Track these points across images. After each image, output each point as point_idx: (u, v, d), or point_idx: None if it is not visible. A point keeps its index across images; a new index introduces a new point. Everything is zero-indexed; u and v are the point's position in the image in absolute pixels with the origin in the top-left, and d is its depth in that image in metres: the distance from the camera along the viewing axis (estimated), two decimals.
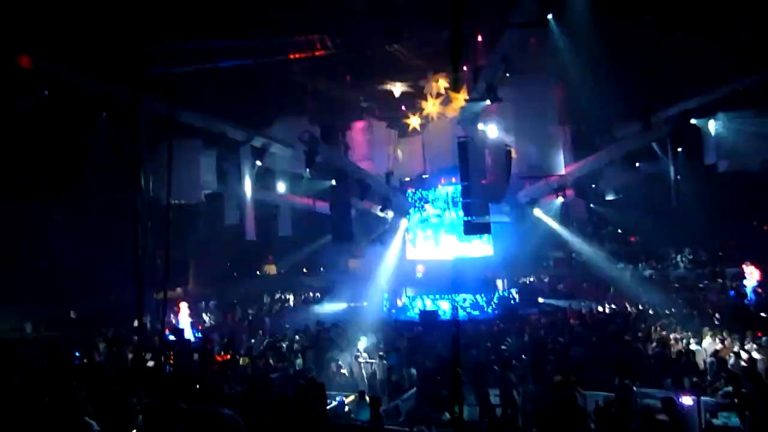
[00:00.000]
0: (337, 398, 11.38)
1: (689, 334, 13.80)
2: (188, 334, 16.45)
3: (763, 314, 16.03)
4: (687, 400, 8.60)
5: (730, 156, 16.95)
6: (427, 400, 11.29)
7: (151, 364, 12.05)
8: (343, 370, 13.06)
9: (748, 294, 19.77)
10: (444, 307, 22.45)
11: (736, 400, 8.63)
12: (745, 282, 20.23)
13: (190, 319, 18.14)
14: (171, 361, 12.52)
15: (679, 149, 17.80)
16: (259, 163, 20.75)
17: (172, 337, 14.78)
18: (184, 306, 18.21)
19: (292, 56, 20.36)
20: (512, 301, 22.87)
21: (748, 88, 17.37)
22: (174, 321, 17.94)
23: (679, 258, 26.18)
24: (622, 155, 19.01)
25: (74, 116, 16.32)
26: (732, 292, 20.28)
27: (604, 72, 16.63)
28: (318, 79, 22.99)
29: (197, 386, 10.48)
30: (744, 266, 20.64)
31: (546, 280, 27.53)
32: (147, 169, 13.88)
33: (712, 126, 17.29)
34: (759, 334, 12.56)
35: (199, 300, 25.05)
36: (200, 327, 18.60)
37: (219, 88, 19.07)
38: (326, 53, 20.68)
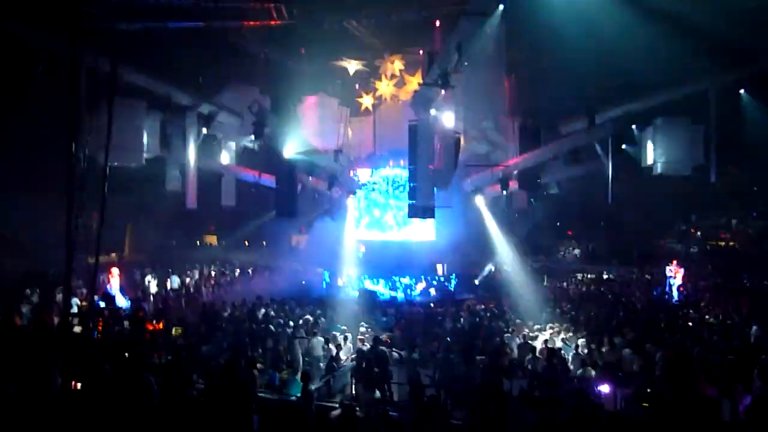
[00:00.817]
0: (269, 373, 11.39)
1: None
2: (120, 301, 16.02)
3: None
4: (604, 388, 9.04)
5: (665, 159, 17.72)
6: (359, 379, 11.45)
7: (78, 329, 11.68)
8: (281, 346, 13.05)
9: (673, 292, 20.90)
10: (383, 288, 22.71)
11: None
12: (670, 281, 21.36)
13: (121, 286, 17.62)
14: (99, 328, 12.16)
15: (620, 149, 18.51)
16: (205, 130, 20.17)
17: (102, 304, 14.35)
18: (116, 272, 17.66)
19: (245, 23, 19.82)
20: (450, 286, 23.33)
21: (686, 97, 18.18)
22: (106, 287, 17.43)
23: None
24: (566, 151, 19.56)
25: (7, 67, 15.40)
26: (656, 291, 21.36)
27: (553, 68, 17.03)
28: (271, 50, 22.49)
29: (125, 354, 10.26)
30: (670, 265, 21.77)
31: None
32: (85, 128, 13.31)
33: (651, 130, 18.01)
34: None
35: (134, 267, 24.37)
36: (133, 294, 18.08)
37: (167, 50, 18.39)
38: (281, 23, 20.22)
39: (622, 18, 18.09)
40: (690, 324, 14.94)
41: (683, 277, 20.93)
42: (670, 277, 20.98)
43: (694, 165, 17.90)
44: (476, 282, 23.99)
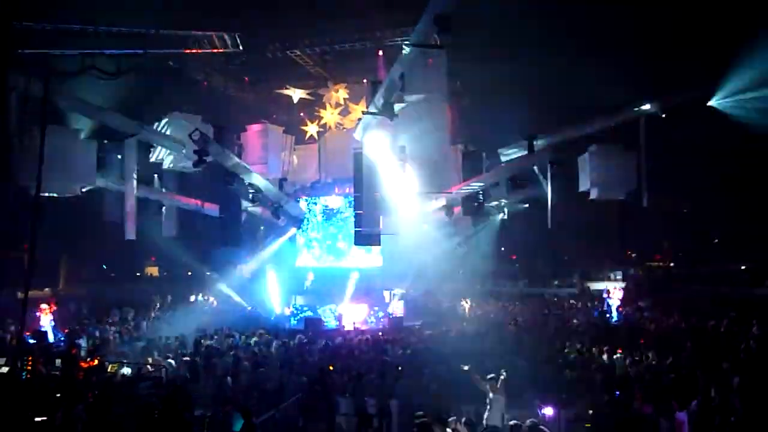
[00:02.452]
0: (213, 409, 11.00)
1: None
2: (51, 338, 15.23)
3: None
4: (548, 411, 9.17)
5: (600, 185, 18.38)
6: (304, 410, 11.21)
7: (4, 369, 11.03)
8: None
9: (612, 312, 21.56)
10: (329, 316, 22.50)
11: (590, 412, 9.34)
12: (609, 301, 22.04)
13: (53, 322, 16.77)
14: (29, 367, 11.50)
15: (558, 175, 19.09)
16: (144, 158, 19.64)
17: (32, 341, 13.61)
18: (46, 307, 16.80)
19: (188, 51, 19.63)
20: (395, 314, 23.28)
21: (619, 125, 19.03)
22: (39, 324, 16.54)
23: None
24: (507, 177, 20.05)
25: None
26: (596, 311, 21.97)
27: (493, 96, 17.57)
28: (215, 77, 22.32)
29: (55, 394, 9.74)
30: (608, 286, 22.49)
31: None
32: (16, 157, 12.78)
33: (587, 155, 18.71)
34: (620, 351, 13.73)
35: (69, 301, 23.31)
36: (66, 330, 17.22)
37: (105, 75, 17.93)
38: (224, 51, 20.15)
39: (558, 48, 18.97)
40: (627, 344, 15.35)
41: (621, 298, 21.63)
42: (609, 297, 21.66)
43: (627, 190, 18.63)
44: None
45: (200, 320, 19.81)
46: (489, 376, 9.47)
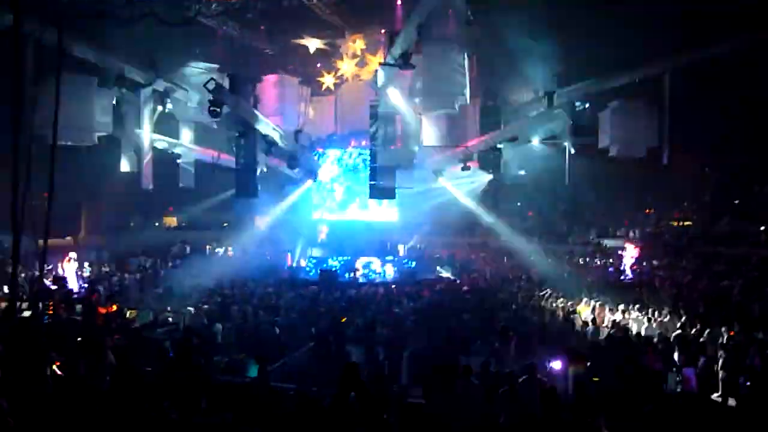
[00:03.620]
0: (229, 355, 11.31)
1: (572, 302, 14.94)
2: (73, 284, 15.63)
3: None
4: (556, 365, 9.27)
5: (620, 141, 18.06)
6: (317, 359, 11.47)
7: (27, 314, 11.36)
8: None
9: (626, 270, 21.52)
10: (343, 268, 22.72)
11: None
12: (623, 259, 21.98)
13: (75, 269, 17.18)
14: (50, 312, 11.86)
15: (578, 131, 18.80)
16: (161, 108, 19.65)
17: (54, 287, 13.99)
18: (72, 255, 17.20)
19: None
20: (411, 267, 23.43)
21: (643, 80, 18.50)
22: (60, 270, 16.97)
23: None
24: (526, 132, 19.74)
25: None
26: (611, 268, 21.93)
27: (514, 49, 17.12)
28: (230, 26, 21.97)
29: (77, 338, 10.04)
30: (624, 244, 22.36)
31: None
32: (31, 104, 12.78)
33: (608, 112, 18.31)
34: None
35: (90, 249, 23.81)
36: (88, 277, 17.66)
37: (120, 23, 17.74)
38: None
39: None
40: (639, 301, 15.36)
41: (636, 256, 21.54)
42: (624, 255, 21.59)
43: (649, 147, 18.28)
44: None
45: (218, 270, 20.14)
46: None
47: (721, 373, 9.29)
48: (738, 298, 15.63)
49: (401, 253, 24.92)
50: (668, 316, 12.98)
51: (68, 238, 26.02)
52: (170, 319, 12.94)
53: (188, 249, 26.29)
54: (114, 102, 18.21)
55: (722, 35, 17.01)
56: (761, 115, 20.64)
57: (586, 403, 7.29)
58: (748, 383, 8.43)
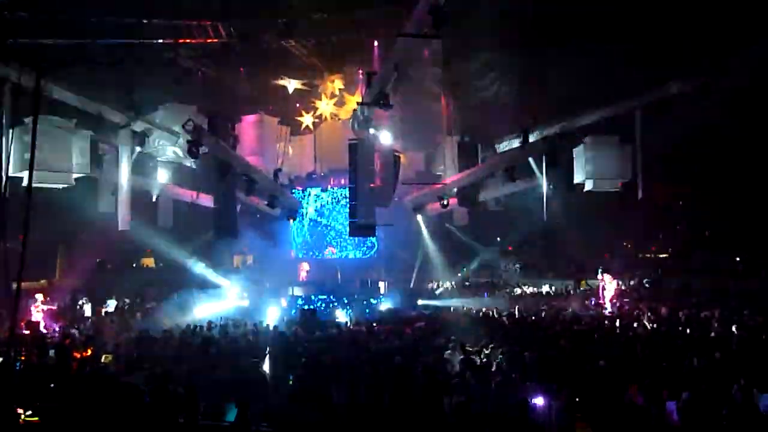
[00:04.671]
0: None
1: None
2: (45, 329, 15.24)
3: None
4: (539, 401, 9.22)
5: (595, 176, 18.41)
6: (299, 400, 11.24)
7: None
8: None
9: (606, 303, 21.66)
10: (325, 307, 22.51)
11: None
12: (603, 292, 22.14)
13: (47, 313, 16.78)
14: (22, 357, 11.53)
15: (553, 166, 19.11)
16: (139, 149, 19.59)
17: (26, 331, 13.62)
18: (39, 298, 16.81)
19: (181, 41, 19.51)
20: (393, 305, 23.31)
21: (615, 117, 19.02)
22: (33, 315, 16.56)
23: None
24: (503, 168, 20.05)
25: None
26: (591, 302, 22.07)
27: (489, 88, 17.54)
28: (209, 67, 22.20)
29: (51, 384, 9.75)
30: (603, 277, 22.57)
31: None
32: (9, 147, 12.69)
33: (582, 147, 18.71)
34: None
35: (66, 291, 23.32)
36: (61, 321, 17.24)
37: (99, 66, 17.82)
38: (219, 41, 20.03)
39: (554, 39, 18.91)
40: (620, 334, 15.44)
41: (616, 289, 21.73)
42: (603, 289, 21.74)
43: (623, 182, 18.66)
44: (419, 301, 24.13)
45: (196, 311, 19.83)
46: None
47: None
48: (718, 330, 15.78)
49: (382, 291, 24.83)
50: (648, 350, 13.05)
51: (42, 281, 25.48)
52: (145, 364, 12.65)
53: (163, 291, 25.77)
54: (91, 143, 18.09)
55: (690, 71, 17.70)
56: (734, 147, 21.33)
57: None
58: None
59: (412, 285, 25.48)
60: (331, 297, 23.13)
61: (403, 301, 23.81)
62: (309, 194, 25.28)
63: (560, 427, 8.71)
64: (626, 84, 18.62)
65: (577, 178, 18.97)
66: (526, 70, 19.07)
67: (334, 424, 7.56)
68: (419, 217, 22.58)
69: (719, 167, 23.13)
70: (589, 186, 18.65)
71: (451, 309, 21.86)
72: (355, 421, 9.60)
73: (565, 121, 19.30)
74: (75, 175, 17.39)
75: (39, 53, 12.77)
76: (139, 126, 19.15)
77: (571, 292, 24.33)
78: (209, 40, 19.35)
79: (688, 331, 15.51)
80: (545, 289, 26.33)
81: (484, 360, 12.98)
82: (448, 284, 25.04)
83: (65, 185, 17.29)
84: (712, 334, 15.09)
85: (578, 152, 18.79)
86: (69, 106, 17.04)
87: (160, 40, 18.48)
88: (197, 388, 9.90)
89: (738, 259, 23.30)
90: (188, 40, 19.11)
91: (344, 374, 11.92)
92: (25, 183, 11.27)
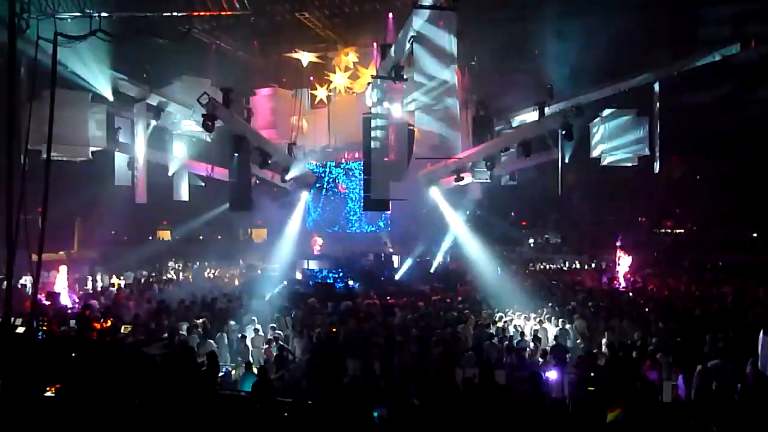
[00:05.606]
0: (224, 369, 11.28)
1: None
2: (66, 300, 15.56)
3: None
4: (552, 374, 9.31)
5: (611, 151, 18.23)
6: (314, 372, 11.44)
7: (21, 330, 11.30)
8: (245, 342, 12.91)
9: (620, 279, 21.61)
10: (339, 280, 22.68)
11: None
12: (617, 267, 22.09)
13: (68, 284, 17.12)
14: (44, 328, 11.80)
15: (569, 141, 18.94)
16: (154, 122, 19.70)
17: (47, 302, 13.93)
18: (63, 269, 17.13)
19: (196, 13, 19.42)
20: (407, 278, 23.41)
21: (632, 89, 18.74)
22: (52, 285, 16.90)
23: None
24: (518, 143, 19.88)
25: None
26: (604, 278, 22.03)
27: (505, 60, 17.32)
28: (223, 40, 22.11)
29: (72, 354, 9.99)
30: (617, 252, 22.49)
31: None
32: (26, 120, 12.80)
33: (599, 121, 18.49)
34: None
35: (83, 264, 23.75)
36: (81, 292, 17.60)
37: (113, 39, 17.83)
38: (233, 13, 19.89)
39: (570, 12, 18.57)
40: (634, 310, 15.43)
41: (629, 264, 21.65)
42: (618, 264, 21.68)
43: (640, 156, 18.47)
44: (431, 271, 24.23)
45: (212, 283, 20.11)
46: None
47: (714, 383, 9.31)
48: (731, 306, 15.72)
49: (395, 265, 24.93)
50: (662, 325, 13.07)
51: (61, 252, 25.95)
52: (165, 334, 12.92)
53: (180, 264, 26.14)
54: (107, 116, 18.24)
55: (711, 46, 17.34)
56: (751, 122, 20.97)
57: (583, 412, 7.33)
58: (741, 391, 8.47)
59: (425, 260, 25.56)
60: (345, 270, 23.29)
61: (417, 274, 23.91)
62: (323, 168, 25.26)
63: (573, 401, 8.79)
64: (644, 57, 18.32)
65: (594, 152, 18.80)
66: (543, 43, 18.79)
67: (349, 395, 7.72)
68: (436, 191, 22.47)
69: (737, 142, 22.78)
70: (605, 160, 18.50)
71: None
72: (368, 393, 9.77)
73: (581, 94, 19.05)
74: (92, 149, 17.60)
75: (55, 26, 12.74)
76: (154, 99, 19.25)
77: (585, 267, 24.27)
78: (223, 13, 19.22)
79: (702, 307, 15.43)
80: (560, 265, 26.26)
81: (498, 332, 13.10)
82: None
83: (83, 158, 17.52)
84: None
85: (595, 126, 18.59)
86: (85, 80, 17.16)
87: (175, 13, 18.35)
88: (216, 359, 10.13)
89: (755, 235, 23.05)
90: (203, 13, 18.99)
91: (358, 347, 12.10)
92: (43, 156, 11.43)
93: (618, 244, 22.77)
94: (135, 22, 17.26)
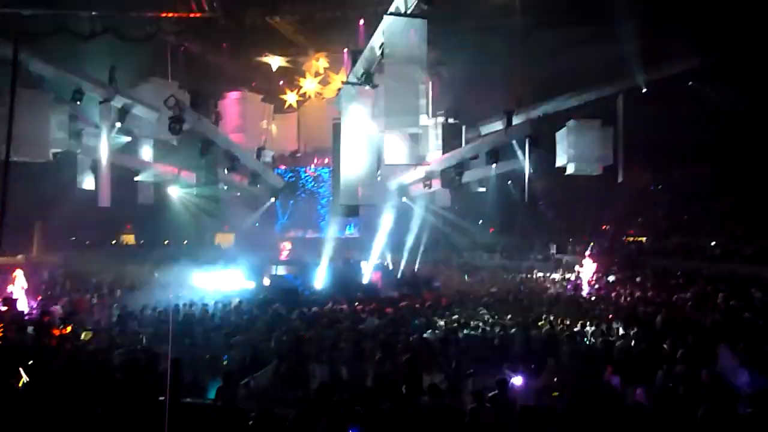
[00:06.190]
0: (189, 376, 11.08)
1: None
2: (23, 305, 15.09)
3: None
4: (517, 380, 9.40)
5: (577, 160, 18.59)
6: (281, 378, 11.34)
7: None
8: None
9: (584, 285, 21.98)
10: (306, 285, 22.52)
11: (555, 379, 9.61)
12: (581, 274, 22.48)
13: (26, 289, 16.60)
14: (0, 334, 11.43)
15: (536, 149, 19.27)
16: (119, 124, 19.29)
17: (3, 308, 13.49)
18: (19, 274, 16.60)
19: (163, 14, 19.16)
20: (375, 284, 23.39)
21: (598, 100, 19.19)
22: (9, 290, 16.36)
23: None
24: (486, 150, 20.13)
25: None
26: (569, 284, 22.37)
27: (474, 69, 17.54)
28: (192, 43, 21.85)
29: (29, 361, 9.70)
30: (582, 259, 22.90)
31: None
32: None
33: (565, 131, 18.85)
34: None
35: (43, 268, 23.07)
36: (39, 298, 17.07)
37: (80, 39, 17.45)
38: (202, 16, 19.70)
39: (538, 22, 18.91)
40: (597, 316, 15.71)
41: (594, 271, 22.06)
42: (581, 270, 22.07)
43: (604, 165, 18.87)
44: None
45: (176, 289, 19.69)
46: None
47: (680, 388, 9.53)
48: (691, 312, 16.12)
49: (364, 271, 24.89)
50: (624, 331, 13.35)
51: (19, 256, 25.17)
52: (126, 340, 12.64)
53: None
54: (70, 118, 17.79)
55: (674, 56, 17.89)
56: (710, 132, 21.64)
57: (549, 418, 7.43)
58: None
59: (393, 266, 25.60)
60: (312, 276, 23.15)
61: (386, 280, 23.91)
62: (292, 173, 25.15)
63: (540, 408, 8.92)
64: (609, 68, 18.77)
65: (559, 161, 19.14)
66: (512, 52, 19.08)
67: (316, 402, 7.67)
68: (405, 197, 22.60)
69: (699, 152, 23.47)
70: (570, 169, 18.85)
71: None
72: (336, 399, 9.73)
73: (548, 104, 19.41)
74: (53, 150, 17.14)
75: (17, 24, 12.43)
76: (119, 101, 18.84)
77: (547, 274, 24.61)
78: (192, 15, 19.01)
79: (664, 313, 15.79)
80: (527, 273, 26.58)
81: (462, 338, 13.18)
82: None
83: (43, 160, 17.04)
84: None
85: (561, 135, 18.94)
86: (48, 79, 16.73)
87: (143, 13, 18.07)
88: (180, 366, 9.94)
89: (713, 243, 23.74)
90: (171, 14, 18.75)
91: (325, 353, 12.03)
92: (2, 157, 11.12)
93: (589, 251, 23.25)
94: (101, 21, 16.91)
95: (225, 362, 11.43)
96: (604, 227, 29.23)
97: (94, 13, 16.99)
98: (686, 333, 12.28)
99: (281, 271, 24.60)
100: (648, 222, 28.19)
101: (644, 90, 18.61)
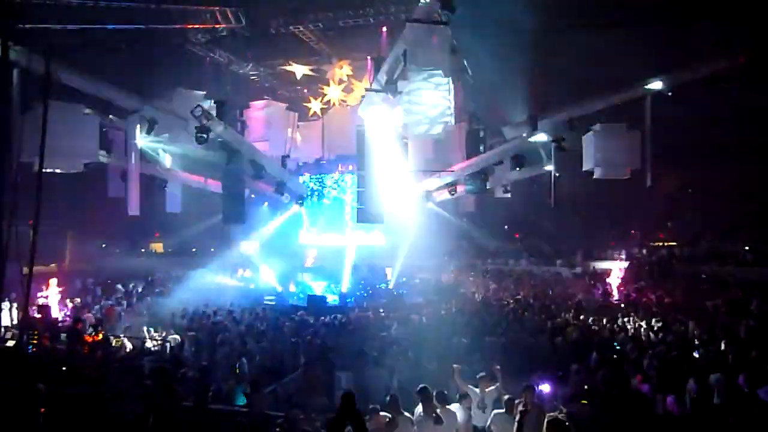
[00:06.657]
0: (217, 382, 11.17)
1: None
2: (56, 313, 15.42)
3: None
4: (545, 388, 9.27)
5: (604, 164, 18.33)
6: (306, 385, 11.37)
7: (10, 343, 11.22)
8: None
9: (613, 291, 21.63)
10: (331, 293, 22.63)
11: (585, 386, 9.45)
12: (610, 280, 22.11)
13: (59, 297, 16.97)
14: (34, 341, 11.70)
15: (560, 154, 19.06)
16: (148, 134, 19.64)
17: (37, 315, 13.80)
18: (53, 282, 16.99)
19: (191, 26, 19.50)
20: (400, 291, 23.37)
21: (625, 103, 18.89)
22: (43, 298, 16.75)
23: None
24: (511, 156, 19.98)
25: None
26: (598, 291, 22.03)
27: (498, 74, 17.45)
28: (218, 53, 22.20)
29: (63, 368, 9.91)
30: (610, 265, 22.53)
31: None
32: (17, 131, 12.75)
33: (591, 135, 18.61)
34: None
35: (75, 276, 23.56)
36: (72, 305, 17.45)
37: (109, 51, 17.87)
38: (228, 27, 20.01)
39: (563, 25, 18.74)
40: (627, 323, 15.44)
41: (623, 277, 21.69)
42: (610, 277, 21.72)
43: (632, 169, 18.57)
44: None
45: (203, 296, 19.94)
46: (480, 375, 8.99)
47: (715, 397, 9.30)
48: (724, 318, 15.75)
49: (389, 277, 24.88)
50: (656, 338, 13.10)
51: (52, 265, 25.76)
52: (155, 347, 12.82)
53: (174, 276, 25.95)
54: (100, 129, 18.17)
55: (702, 57, 17.57)
56: (740, 133, 21.17)
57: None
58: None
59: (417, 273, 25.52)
60: (338, 283, 23.25)
61: (410, 287, 23.88)
62: (317, 181, 25.28)
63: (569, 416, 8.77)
64: (636, 69, 18.50)
65: (586, 166, 18.89)
66: (536, 56, 18.94)
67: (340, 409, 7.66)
68: (430, 203, 22.52)
69: (730, 154, 22.97)
70: (597, 173, 18.59)
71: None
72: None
73: (574, 107, 19.19)
74: (84, 161, 17.51)
75: (48, 37, 12.76)
76: (148, 112, 19.20)
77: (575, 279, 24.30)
78: (218, 26, 19.32)
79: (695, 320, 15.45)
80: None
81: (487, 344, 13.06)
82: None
83: (75, 171, 17.42)
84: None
85: (587, 139, 18.70)
86: (78, 91, 17.12)
87: (170, 26, 18.43)
88: (207, 372, 10.06)
89: (747, 248, 23.19)
90: (197, 26, 19.08)
91: (350, 360, 12.04)
92: (35, 168, 11.39)
93: (618, 256, 22.90)
94: (129, 33, 17.29)
95: (237, 369, 11.46)
96: (632, 232, 28.76)
97: (122, 25, 17.35)
98: (719, 340, 12.02)
99: (307, 278, 24.76)
100: (678, 226, 27.64)
101: (671, 92, 18.28)
